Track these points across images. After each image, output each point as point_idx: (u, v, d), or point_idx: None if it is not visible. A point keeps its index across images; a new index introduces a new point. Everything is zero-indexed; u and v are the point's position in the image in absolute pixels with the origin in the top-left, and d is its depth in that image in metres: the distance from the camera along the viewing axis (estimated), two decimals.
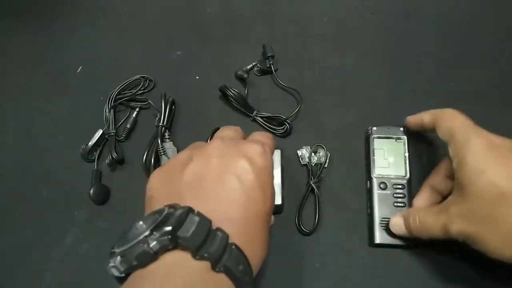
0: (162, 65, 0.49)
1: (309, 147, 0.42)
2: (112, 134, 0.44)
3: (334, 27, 0.50)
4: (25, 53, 0.52)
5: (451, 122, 0.33)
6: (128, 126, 0.45)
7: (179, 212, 0.24)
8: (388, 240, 0.37)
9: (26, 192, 0.44)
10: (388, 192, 0.38)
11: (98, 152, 0.44)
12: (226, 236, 0.25)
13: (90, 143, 0.44)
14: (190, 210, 0.25)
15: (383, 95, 0.45)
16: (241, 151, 0.29)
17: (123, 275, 0.24)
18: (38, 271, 0.40)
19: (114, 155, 0.43)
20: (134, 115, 0.46)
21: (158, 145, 0.42)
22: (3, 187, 0.44)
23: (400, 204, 0.38)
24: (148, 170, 0.42)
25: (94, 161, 0.44)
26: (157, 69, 0.49)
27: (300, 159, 0.42)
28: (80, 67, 0.50)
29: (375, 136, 0.41)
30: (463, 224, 0.30)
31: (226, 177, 0.28)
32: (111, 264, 0.24)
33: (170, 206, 0.25)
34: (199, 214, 0.25)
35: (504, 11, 0.49)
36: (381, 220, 0.37)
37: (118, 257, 0.23)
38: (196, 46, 0.50)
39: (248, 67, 0.48)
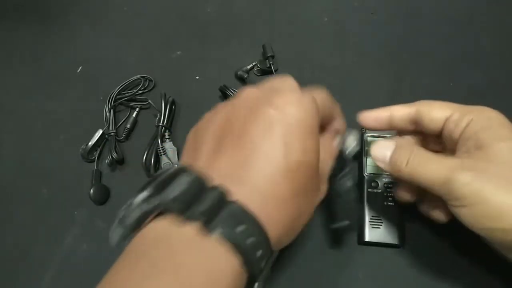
0: (162, 65, 0.49)
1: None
2: (112, 134, 0.44)
3: (334, 27, 0.50)
4: (25, 53, 0.52)
5: (448, 107, 0.31)
6: (128, 126, 0.45)
7: (168, 172, 0.22)
8: (377, 238, 0.37)
9: (26, 192, 0.44)
10: (379, 191, 0.38)
11: (98, 152, 0.44)
12: (222, 192, 0.22)
13: (90, 143, 0.44)
14: (182, 169, 0.22)
15: (383, 95, 0.45)
16: (270, 99, 0.25)
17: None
18: (38, 271, 0.40)
19: (114, 155, 0.43)
20: (134, 115, 0.46)
21: (158, 145, 0.42)
22: (3, 187, 0.44)
23: (391, 203, 0.38)
24: (148, 170, 0.42)
25: (94, 161, 0.44)
26: (157, 69, 0.49)
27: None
28: (80, 67, 0.50)
29: (369, 134, 0.41)
30: (476, 177, 0.26)
31: (247, 129, 0.24)
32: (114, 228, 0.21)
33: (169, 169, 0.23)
34: (190, 173, 0.22)
35: (504, 11, 0.49)
36: (371, 218, 0.38)
37: (116, 222, 0.21)
38: (196, 46, 0.50)
39: (248, 67, 0.48)
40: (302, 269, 0.38)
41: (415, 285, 0.37)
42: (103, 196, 0.42)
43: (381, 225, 0.37)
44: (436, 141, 0.34)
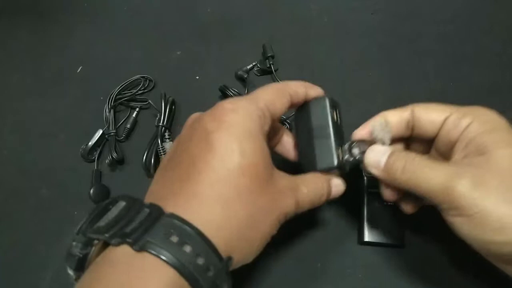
0: (162, 65, 0.49)
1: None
2: (112, 134, 0.44)
3: (334, 27, 0.50)
4: (25, 53, 0.52)
5: (446, 108, 0.29)
6: (128, 126, 0.45)
7: (102, 205, 0.24)
8: (377, 238, 0.37)
9: (26, 192, 0.44)
10: (379, 191, 0.38)
11: (98, 152, 0.44)
12: (153, 210, 0.22)
13: (90, 143, 0.44)
14: (118, 199, 0.24)
15: (383, 95, 0.45)
16: (209, 113, 0.27)
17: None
18: (38, 271, 0.40)
19: (114, 155, 0.43)
20: (134, 115, 0.46)
21: (158, 145, 0.42)
22: (3, 187, 0.44)
23: (391, 203, 0.38)
24: (148, 170, 0.42)
25: (94, 161, 0.44)
26: (157, 69, 0.49)
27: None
28: (80, 67, 0.50)
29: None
30: (477, 187, 0.24)
31: (187, 147, 0.26)
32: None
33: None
34: (124, 197, 0.24)
35: (504, 11, 0.49)
36: (371, 219, 0.38)
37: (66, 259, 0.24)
38: (196, 46, 0.50)
39: (248, 67, 0.48)
40: (302, 269, 0.38)
41: (415, 285, 0.37)
42: (103, 196, 0.42)
43: (381, 225, 0.37)
44: (423, 149, 0.33)
